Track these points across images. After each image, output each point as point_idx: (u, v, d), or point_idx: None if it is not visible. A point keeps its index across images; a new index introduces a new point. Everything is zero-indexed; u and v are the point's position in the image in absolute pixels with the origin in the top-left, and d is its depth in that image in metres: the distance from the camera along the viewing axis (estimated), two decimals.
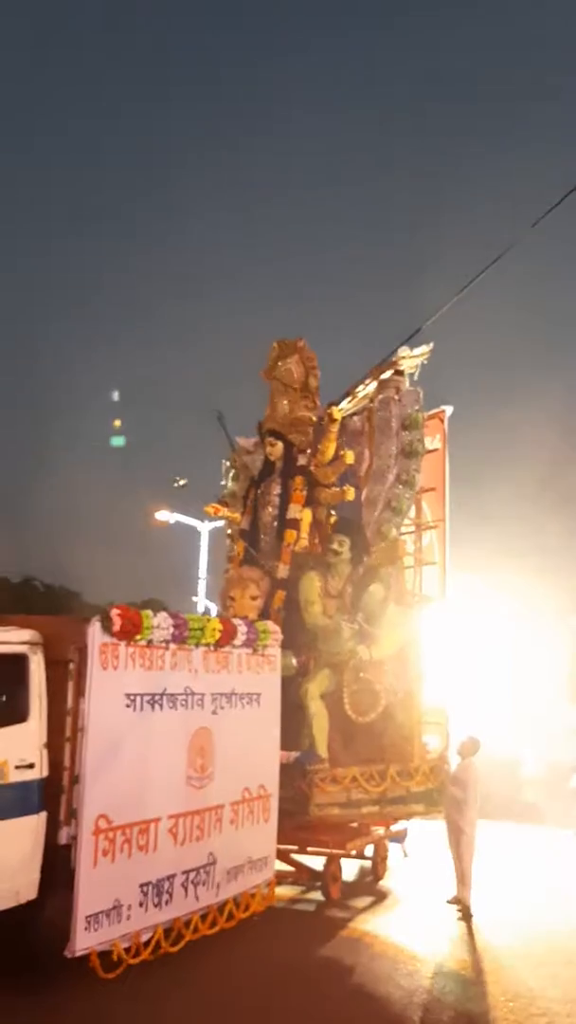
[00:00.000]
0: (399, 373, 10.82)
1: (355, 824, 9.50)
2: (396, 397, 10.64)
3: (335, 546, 9.65)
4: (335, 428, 9.93)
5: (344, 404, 10.13)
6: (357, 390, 10.23)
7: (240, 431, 11.27)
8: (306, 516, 10.09)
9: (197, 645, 7.05)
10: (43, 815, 6.09)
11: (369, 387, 10.42)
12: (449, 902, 8.73)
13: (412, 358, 10.81)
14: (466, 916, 8.47)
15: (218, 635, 7.18)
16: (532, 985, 6.70)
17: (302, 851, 9.16)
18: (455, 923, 8.35)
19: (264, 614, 9.52)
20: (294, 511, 10.09)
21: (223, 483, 11.10)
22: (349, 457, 10.07)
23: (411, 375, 11.03)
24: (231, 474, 11.27)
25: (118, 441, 32.78)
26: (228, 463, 11.18)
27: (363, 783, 8.86)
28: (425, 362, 11.03)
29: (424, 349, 10.91)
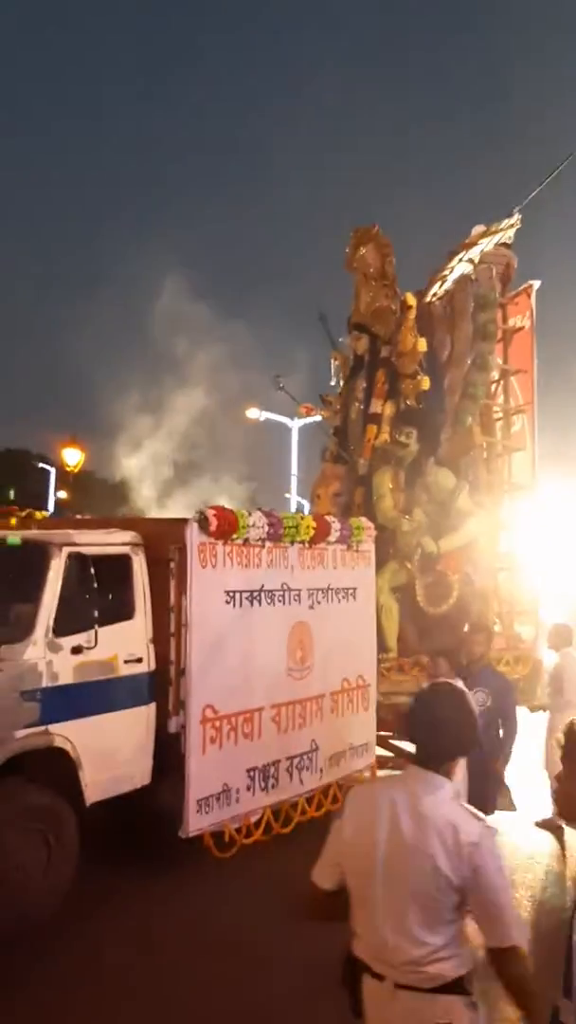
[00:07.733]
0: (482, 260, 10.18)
1: None
2: (473, 277, 10.11)
3: (402, 438, 9.39)
4: (412, 315, 9.57)
5: (435, 290, 9.67)
6: (444, 274, 9.73)
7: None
8: (387, 410, 9.88)
9: (292, 543, 7.11)
10: (152, 706, 6.32)
11: (457, 272, 9.88)
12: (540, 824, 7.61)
13: (492, 233, 10.04)
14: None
15: (312, 532, 7.21)
16: None
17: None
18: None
19: (347, 510, 9.50)
20: (376, 405, 9.89)
21: (332, 383, 10.77)
22: (421, 345, 9.65)
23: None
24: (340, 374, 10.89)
25: None
26: (335, 363, 10.79)
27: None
28: (510, 239, 10.35)
29: (508, 221, 10.11)
